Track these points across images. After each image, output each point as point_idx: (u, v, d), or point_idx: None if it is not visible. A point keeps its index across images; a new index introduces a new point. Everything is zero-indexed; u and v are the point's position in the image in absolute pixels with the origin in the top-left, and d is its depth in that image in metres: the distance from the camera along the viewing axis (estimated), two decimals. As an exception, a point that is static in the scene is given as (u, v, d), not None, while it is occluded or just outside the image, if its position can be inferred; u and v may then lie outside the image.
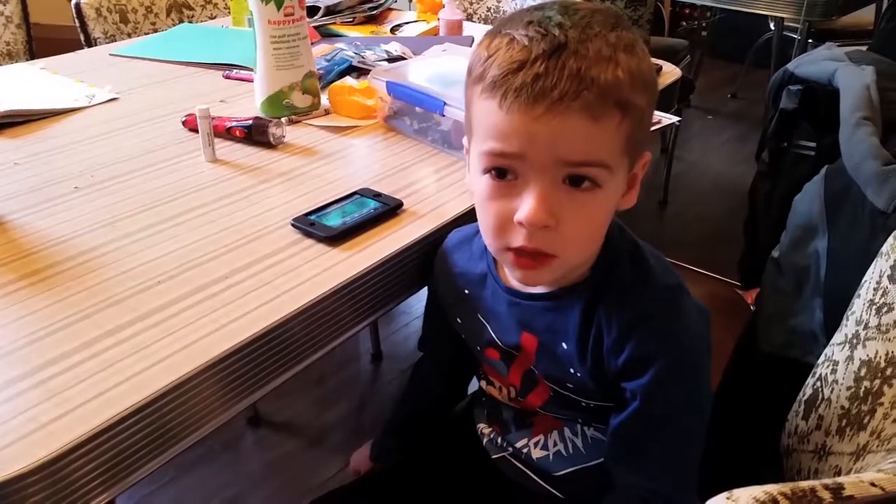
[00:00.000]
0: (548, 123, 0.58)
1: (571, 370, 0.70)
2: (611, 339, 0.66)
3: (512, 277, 0.71)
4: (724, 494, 0.44)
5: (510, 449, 0.83)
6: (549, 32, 0.59)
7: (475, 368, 0.88)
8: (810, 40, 2.48)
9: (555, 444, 0.79)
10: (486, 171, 0.63)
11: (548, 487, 0.80)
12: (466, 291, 0.78)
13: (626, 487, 0.71)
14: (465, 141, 0.70)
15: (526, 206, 0.60)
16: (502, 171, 0.62)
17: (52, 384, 0.60)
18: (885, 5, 2.62)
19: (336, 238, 0.79)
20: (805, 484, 0.43)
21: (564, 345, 0.70)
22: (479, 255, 0.77)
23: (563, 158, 0.59)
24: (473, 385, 0.93)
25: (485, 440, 0.87)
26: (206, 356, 0.63)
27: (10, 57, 1.76)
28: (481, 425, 0.88)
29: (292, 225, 0.82)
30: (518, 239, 0.62)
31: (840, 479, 0.43)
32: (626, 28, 0.62)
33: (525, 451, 0.81)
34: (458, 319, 0.81)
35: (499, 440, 0.85)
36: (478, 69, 0.62)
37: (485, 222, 0.66)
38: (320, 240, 0.80)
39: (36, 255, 0.77)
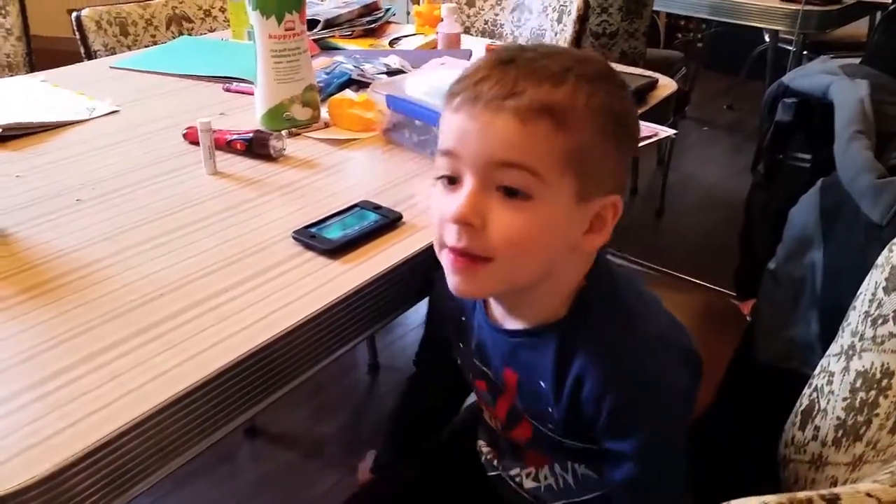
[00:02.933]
0: (479, 119, 0.61)
1: (549, 409, 0.70)
2: (588, 388, 0.66)
3: (500, 312, 0.72)
4: (722, 506, 0.44)
5: (505, 473, 0.83)
6: (507, 52, 0.63)
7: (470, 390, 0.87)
8: (805, 52, 2.50)
9: (546, 478, 0.79)
10: (439, 177, 0.65)
11: None
12: (463, 319, 0.78)
13: None
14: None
15: (455, 203, 0.62)
16: (451, 180, 0.64)
17: (53, 398, 0.60)
18: (878, 18, 2.64)
19: (336, 251, 0.80)
20: (802, 495, 0.43)
21: (542, 383, 0.69)
22: None
23: (491, 156, 0.61)
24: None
25: (483, 458, 0.86)
26: (207, 370, 0.63)
27: (10, 69, 1.77)
28: (481, 443, 0.87)
29: (293, 237, 0.82)
30: (450, 236, 0.63)
31: (836, 490, 0.44)
32: (599, 65, 0.64)
33: (517, 479, 0.81)
34: (455, 344, 0.81)
35: (495, 461, 0.85)
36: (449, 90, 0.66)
37: (432, 220, 0.67)
38: (321, 252, 0.80)
39: (37, 268, 0.77)
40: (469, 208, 0.61)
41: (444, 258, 0.65)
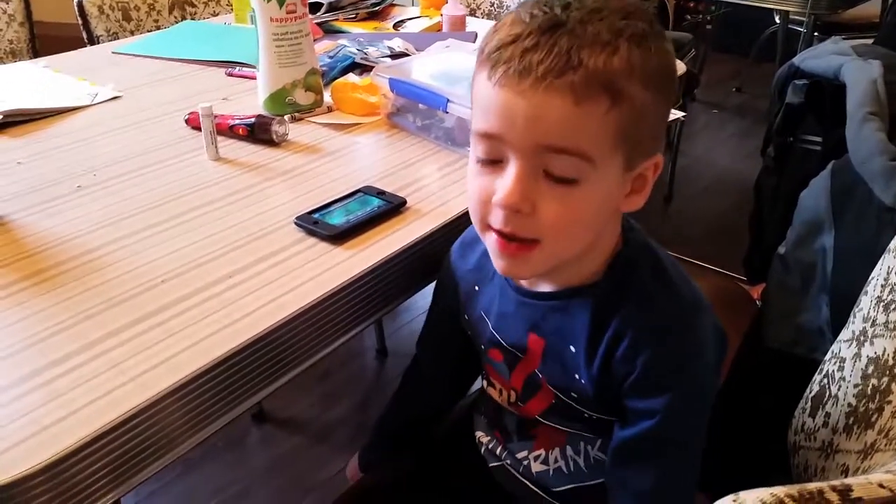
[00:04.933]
0: (529, 99, 0.56)
1: (577, 376, 0.69)
2: (624, 346, 0.64)
3: (499, 270, 0.68)
4: (731, 497, 0.43)
5: (509, 459, 0.81)
6: (552, 11, 0.57)
7: (478, 370, 0.86)
8: (815, 33, 2.46)
9: (556, 461, 0.77)
10: (477, 160, 0.62)
11: (545, 497, 0.79)
12: (477, 288, 0.77)
13: None
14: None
15: (503, 187, 0.59)
16: (489, 163, 0.61)
17: (56, 385, 0.59)
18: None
19: (339, 237, 0.79)
20: (812, 485, 0.43)
21: (573, 348, 0.68)
22: None
23: (542, 142, 0.57)
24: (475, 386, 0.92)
25: (482, 449, 0.85)
26: (211, 356, 0.63)
27: (13, 55, 1.76)
28: (479, 433, 0.86)
29: (295, 223, 0.82)
30: (496, 220, 0.61)
31: (848, 481, 0.43)
32: (644, 20, 0.59)
33: (525, 462, 0.80)
34: (466, 316, 0.79)
35: (498, 449, 0.83)
36: (482, 43, 0.61)
37: (471, 197, 0.64)
38: (323, 238, 0.79)
39: (39, 255, 0.77)
40: (518, 195, 0.58)
41: (489, 239, 0.64)
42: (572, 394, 0.71)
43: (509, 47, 0.57)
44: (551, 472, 0.78)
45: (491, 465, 0.84)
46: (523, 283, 0.71)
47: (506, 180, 0.59)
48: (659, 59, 0.59)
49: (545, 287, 0.70)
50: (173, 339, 0.65)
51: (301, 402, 1.76)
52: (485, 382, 0.83)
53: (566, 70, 0.55)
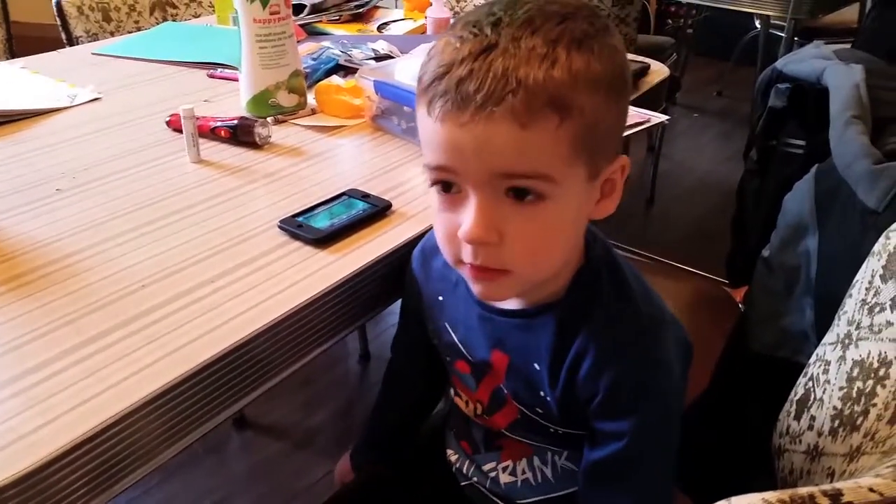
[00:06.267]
0: (472, 131, 0.53)
1: (541, 393, 0.67)
2: (587, 365, 0.63)
3: (477, 295, 0.67)
4: (721, 503, 0.43)
5: (477, 476, 0.80)
6: (482, 32, 0.54)
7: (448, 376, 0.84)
8: (796, 38, 2.49)
9: (523, 472, 0.76)
10: (432, 183, 0.60)
11: None
12: (440, 298, 0.75)
13: None
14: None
15: (466, 222, 0.57)
16: (447, 185, 0.58)
17: (34, 392, 0.58)
18: (868, 5, 2.63)
19: (324, 240, 0.78)
20: (803, 490, 0.42)
21: (536, 365, 0.67)
22: None
23: (496, 170, 0.54)
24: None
25: (453, 468, 0.84)
26: (192, 362, 0.62)
27: (-10, 56, 1.73)
28: (450, 451, 0.85)
29: (279, 227, 0.81)
30: (467, 255, 0.59)
31: (838, 485, 0.43)
32: (584, 19, 0.56)
33: (493, 475, 0.78)
34: (431, 326, 0.78)
35: (466, 465, 0.82)
36: (419, 75, 0.59)
37: (438, 234, 0.62)
38: (308, 242, 0.78)
39: (16, 259, 0.75)
40: (482, 228, 0.56)
41: (463, 271, 0.62)
42: (537, 409, 0.70)
43: (443, 79, 0.54)
44: (519, 483, 0.77)
45: (462, 483, 0.83)
46: None
47: (468, 213, 0.57)
48: (605, 58, 0.56)
49: (509, 304, 0.68)
50: (153, 346, 0.63)
51: (283, 407, 1.75)
52: (453, 391, 0.82)
53: (505, 94, 0.52)
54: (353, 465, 0.97)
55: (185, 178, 0.92)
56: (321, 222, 0.81)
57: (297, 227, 0.80)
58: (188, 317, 0.67)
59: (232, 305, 0.69)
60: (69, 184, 0.90)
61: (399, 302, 0.84)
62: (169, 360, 0.62)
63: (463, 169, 0.56)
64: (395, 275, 0.80)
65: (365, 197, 0.86)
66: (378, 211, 0.84)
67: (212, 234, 0.80)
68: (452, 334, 0.74)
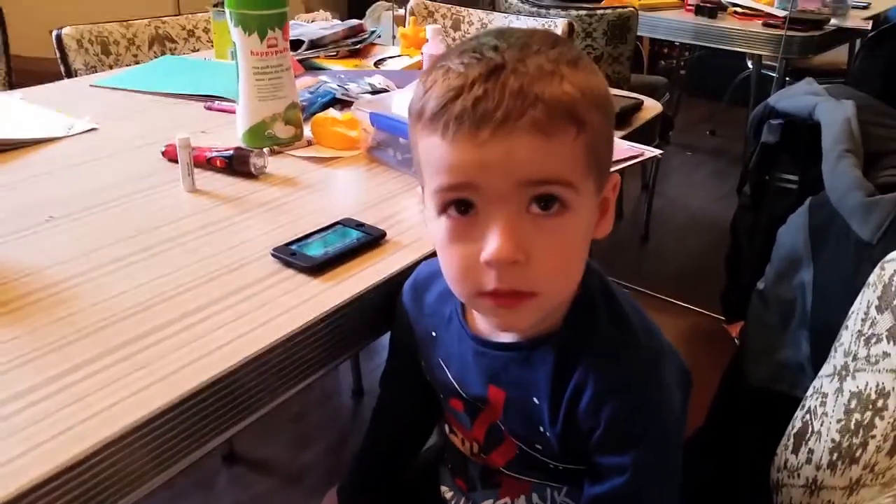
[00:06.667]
0: (496, 148, 0.54)
1: (541, 428, 0.66)
2: (587, 397, 0.62)
3: (488, 324, 0.66)
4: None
5: None
6: (485, 56, 0.55)
7: (441, 410, 0.82)
8: (787, 78, 2.53)
9: None
10: (443, 209, 0.58)
11: None
12: (434, 334, 0.74)
13: None
14: (419, 190, 0.65)
15: (491, 242, 0.55)
16: (462, 204, 0.57)
17: (17, 420, 0.57)
18: (857, 46, 2.69)
19: (317, 268, 0.78)
20: (804, 520, 0.41)
21: (536, 400, 0.65)
22: (448, 293, 0.68)
23: (522, 179, 0.55)
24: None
25: None
26: (180, 389, 0.60)
27: (-11, 88, 1.74)
28: (444, 488, 0.83)
29: (272, 255, 0.80)
30: (490, 281, 0.57)
31: (839, 515, 0.42)
32: (568, 45, 0.59)
33: None
34: (424, 363, 0.76)
35: (462, 501, 0.80)
36: (416, 107, 0.59)
37: (449, 269, 0.61)
38: (301, 270, 0.78)
39: (5, 285, 0.74)
40: (512, 246, 0.55)
41: (482, 305, 0.60)
42: (537, 445, 0.68)
43: (457, 101, 0.55)
44: None
45: None
46: (482, 330, 0.69)
47: (494, 234, 0.56)
48: (597, 78, 0.59)
49: (505, 337, 0.67)
50: (142, 373, 0.62)
51: (273, 443, 1.72)
52: (447, 429, 0.80)
53: (525, 109, 0.53)
54: (340, 501, 0.95)
55: (180, 207, 0.92)
56: (315, 250, 0.80)
57: (290, 255, 0.79)
58: (178, 344, 0.66)
59: (222, 333, 0.68)
60: (61, 212, 0.90)
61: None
62: (157, 387, 0.60)
63: (485, 183, 0.55)
64: (389, 304, 0.79)
65: (359, 226, 0.86)
66: (372, 240, 0.83)
67: (204, 261, 0.79)
68: (446, 370, 0.73)
